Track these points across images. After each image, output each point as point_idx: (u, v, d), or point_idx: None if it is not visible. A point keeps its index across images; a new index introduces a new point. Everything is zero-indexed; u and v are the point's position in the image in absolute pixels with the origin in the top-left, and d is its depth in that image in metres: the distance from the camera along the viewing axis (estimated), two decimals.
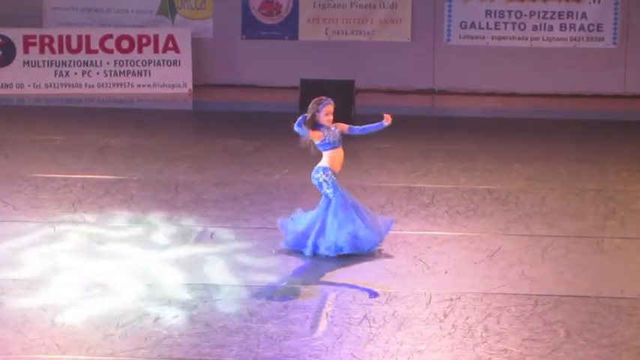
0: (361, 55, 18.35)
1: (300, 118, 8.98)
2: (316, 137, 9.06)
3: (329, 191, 9.09)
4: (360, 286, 8.36)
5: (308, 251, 9.10)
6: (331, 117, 9.08)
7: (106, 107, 17.40)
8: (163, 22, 18.91)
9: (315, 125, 9.03)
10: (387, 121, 9.23)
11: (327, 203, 9.11)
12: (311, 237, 9.09)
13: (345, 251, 9.03)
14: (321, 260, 9.00)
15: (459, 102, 18.03)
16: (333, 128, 9.10)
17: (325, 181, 9.10)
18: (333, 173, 9.11)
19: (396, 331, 7.45)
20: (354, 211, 9.14)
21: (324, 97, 9.15)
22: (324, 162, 9.14)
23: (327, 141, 9.07)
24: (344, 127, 9.23)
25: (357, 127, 9.35)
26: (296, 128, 8.98)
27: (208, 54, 18.82)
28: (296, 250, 9.20)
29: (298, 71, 16.96)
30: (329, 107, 9.08)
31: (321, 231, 9.07)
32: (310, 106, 9.12)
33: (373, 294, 8.15)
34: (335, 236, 9.03)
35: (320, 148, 9.16)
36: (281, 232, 9.36)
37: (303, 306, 7.95)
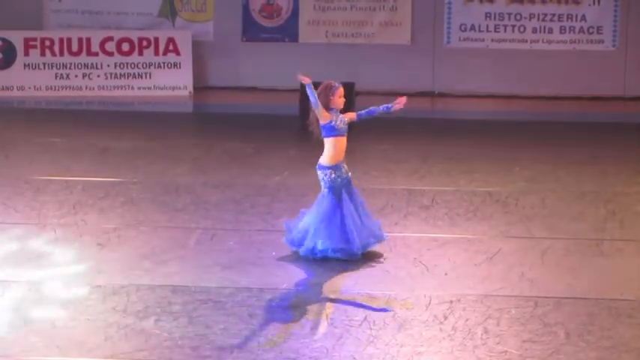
0: (361, 58, 18.38)
1: (307, 87, 8.84)
2: (324, 117, 8.96)
3: (325, 191, 9.12)
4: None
5: (302, 251, 9.12)
6: (343, 99, 9.08)
7: (107, 110, 17.42)
8: (164, 24, 18.95)
9: (326, 107, 9.00)
10: (399, 104, 9.10)
11: (321, 201, 9.12)
12: (307, 238, 9.10)
13: (334, 255, 9.03)
14: (320, 262, 9.01)
15: (459, 104, 18.05)
16: (341, 116, 9.09)
17: (323, 180, 9.11)
18: (334, 171, 9.05)
19: (396, 333, 7.46)
20: (349, 211, 9.10)
21: (333, 82, 9.12)
22: (325, 156, 9.08)
23: (332, 124, 8.98)
24: (352, 115, 9.19)
25: (362, 111, 9.27)
26: (308, 91, 8.85)
27: (209, 56, 18.86)
28: (295, 250, 9.21)
29: (298, 73, 16.97)
30: (341, 90, 9.07)
31: (315, 232, 9.08)
32: (320, 90, 9.02)
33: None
34: (323, 239, 9.03)
35: (324, 133, 9.06)
36: (286, 234, 9.35)
37: (303, 308, 7.96)
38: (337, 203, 9.06)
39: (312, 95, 8.92)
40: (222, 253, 9.30)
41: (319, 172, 9.12)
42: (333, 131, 9.03)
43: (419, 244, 9.62)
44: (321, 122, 9.02)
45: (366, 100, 16.38)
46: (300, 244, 9.17)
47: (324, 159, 9.10)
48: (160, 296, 8.15)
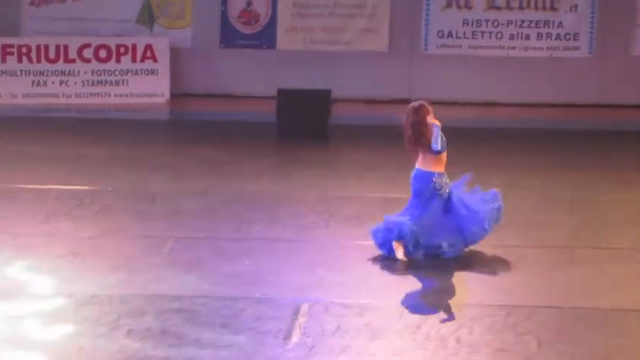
0: (338, 65, 18.38)
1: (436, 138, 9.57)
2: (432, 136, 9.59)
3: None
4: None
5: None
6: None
7: (84, 117, 17.35)
8: (142, 31, 18.90)
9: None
10: None
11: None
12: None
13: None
14: (294, 270, 9.02)
15: (436, 111, 18.02)
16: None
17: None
18: (437, 179, 9.66)
19: (368, 343, 7.48)
20: (440, 215, 9.46)
21: (417, 104, 9.98)
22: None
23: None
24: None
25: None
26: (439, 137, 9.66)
27: (186, 63, 18.83)
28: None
29: (276, 80, 17.00)
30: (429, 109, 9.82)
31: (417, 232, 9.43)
32: (413, 117, 9.87)
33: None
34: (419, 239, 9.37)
35: (434, 151, 9.69)
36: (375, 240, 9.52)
37: (276, 317, 7.95)
38: (423, 209, 9.68)
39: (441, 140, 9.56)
40: (196, 262, 9.29)
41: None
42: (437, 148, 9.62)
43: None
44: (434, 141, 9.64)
45: (342, 107, 16.44)
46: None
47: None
48: (133, 306, 8.13)
